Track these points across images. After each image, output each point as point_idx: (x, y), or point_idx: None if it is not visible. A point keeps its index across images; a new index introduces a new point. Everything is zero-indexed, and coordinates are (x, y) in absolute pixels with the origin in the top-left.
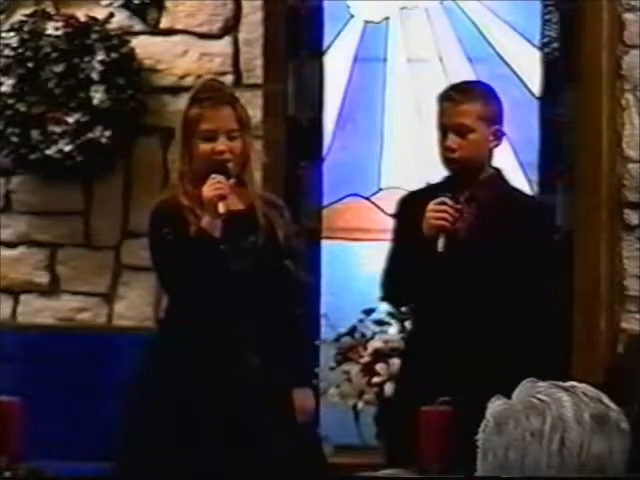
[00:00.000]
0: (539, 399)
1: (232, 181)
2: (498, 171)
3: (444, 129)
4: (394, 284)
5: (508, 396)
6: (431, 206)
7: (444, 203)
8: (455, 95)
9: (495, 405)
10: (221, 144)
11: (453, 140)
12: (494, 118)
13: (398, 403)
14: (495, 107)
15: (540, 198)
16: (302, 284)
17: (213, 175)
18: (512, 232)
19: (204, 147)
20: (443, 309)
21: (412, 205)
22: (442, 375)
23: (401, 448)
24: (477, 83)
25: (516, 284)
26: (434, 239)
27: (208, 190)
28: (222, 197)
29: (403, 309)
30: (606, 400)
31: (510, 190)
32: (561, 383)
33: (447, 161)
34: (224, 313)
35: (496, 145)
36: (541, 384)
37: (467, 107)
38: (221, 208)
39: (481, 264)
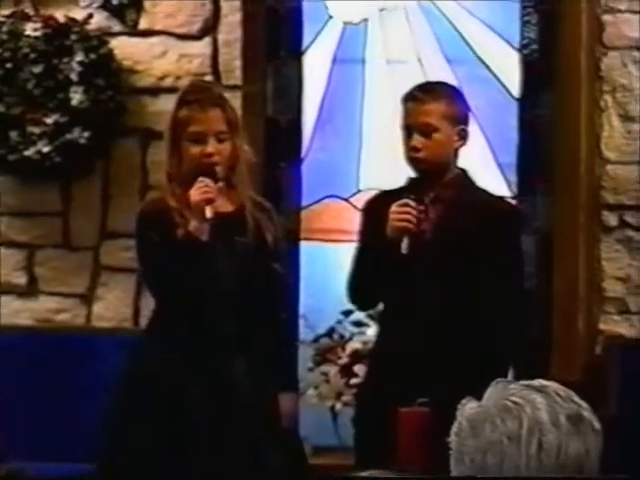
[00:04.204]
0: (513, 402)
1: (220, 184)
2: (464, 172)
3: (409, 129)
4: (359, 287)
5: (475, 396)
6: (394, 208)
7: (407, 205)
8: (419, 95)
9: (468, 408)
10: (210, 146)
11: (418, 140)
12: (459, 118)
13: (365, 405)
14: (460, 107)
15: (518, 199)
16: (288, 287)
17: (201, 178)
18: (477, 232)
19: (193, 150)
20: (408, 310)
21: (376, 207)
22: (408, 376)
23: (371, 449)
24: (441, 83)
25: (481, 284)
26: (398, 241)
27: (195, 194)
28: (209, 201)
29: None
30: (577, 399)
31: (476, 191)
32: (531, 383)
33: (412, 161)
34: (211, 316)
35: (461, 145)
36: (512, 385)
37: (431, 106)
38: (208, 212)
39: (446, 265)
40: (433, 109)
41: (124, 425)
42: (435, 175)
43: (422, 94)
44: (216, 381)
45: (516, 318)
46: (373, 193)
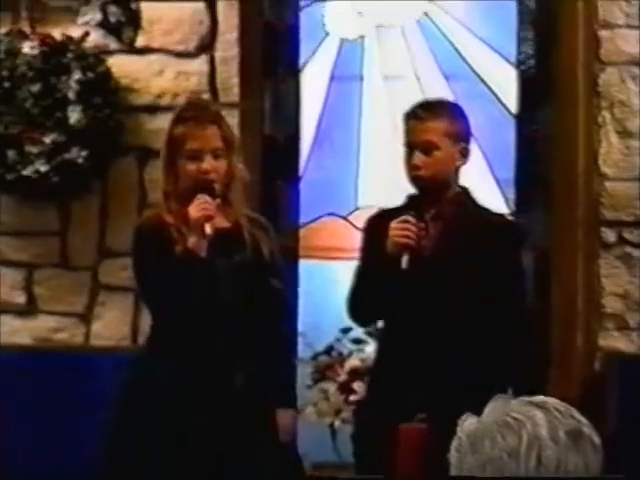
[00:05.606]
0: (513, 417)
1: (218, 201)
2: (465, 189)
3: (410, 147)
4: (360, 303)
5: (477, 412)
6: (394, 224)
7: (407, 221)
8: (421, 113)
9: (468, 424)
10: (206, 163)
11: (419, 157)
12: (460, 136)
13: (366, 421)
14: (461, 125)
15: (516, 215)
16: (286, 303)
17: (199, 195)
18: (478, 250)
19: (189, 167)
20: (409, 326)
21: (377, 224)
22: (408, 393)
23: (372, 466)
24: (443, 101)
25: (482, 301)
26: (398, 257)
27: (195, 210)
28: (209, 217)
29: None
30: (577, 414)
31: (477, 208)
32: (532, 399)
33: (413, 179)
34: (209, 332)
35: (462, 163)
36: (513, 401)
37: (433, 124)
38: (208, 229)
39: (447, 282)
40: (434, 127)
41: (124, 442)
42: (436, 193)
43: (423, 112)
44: (215, 397)
45: (517, 335)
46: (373, 211)
